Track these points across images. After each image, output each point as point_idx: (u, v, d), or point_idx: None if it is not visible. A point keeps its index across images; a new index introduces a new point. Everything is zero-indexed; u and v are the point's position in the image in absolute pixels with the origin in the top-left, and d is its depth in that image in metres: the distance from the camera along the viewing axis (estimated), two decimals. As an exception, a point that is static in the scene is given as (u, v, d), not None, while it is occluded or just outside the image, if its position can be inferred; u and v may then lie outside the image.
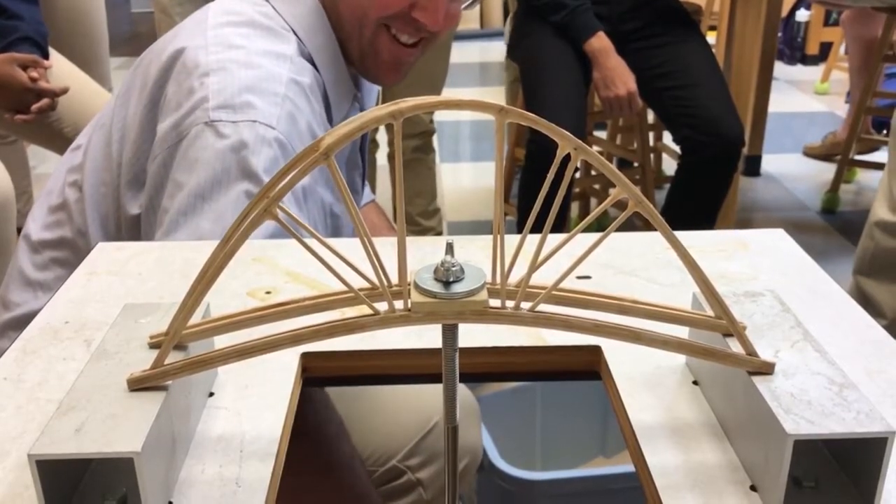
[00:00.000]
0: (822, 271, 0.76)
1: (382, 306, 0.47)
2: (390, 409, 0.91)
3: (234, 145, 0.83)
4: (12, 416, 0.56)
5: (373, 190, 2.37)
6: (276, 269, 0.77)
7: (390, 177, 2.64)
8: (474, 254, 0.79)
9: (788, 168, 3.19)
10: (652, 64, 2.04)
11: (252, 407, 0.58)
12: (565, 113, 1.94)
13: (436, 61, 2.16)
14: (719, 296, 0.50)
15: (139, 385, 0.48)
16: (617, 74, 1.97)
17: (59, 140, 1.80)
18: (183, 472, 0.51)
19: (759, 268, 0.77)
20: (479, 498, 1.28)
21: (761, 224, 2.72)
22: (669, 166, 2.54)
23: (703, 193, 2.04)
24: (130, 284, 0.74)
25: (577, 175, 2.45)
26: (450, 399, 0.50)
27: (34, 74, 1.65)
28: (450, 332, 0.48)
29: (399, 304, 0.47)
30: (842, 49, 4.09)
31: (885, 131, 3.13)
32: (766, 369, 0.50)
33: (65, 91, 1.71)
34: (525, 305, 0.48)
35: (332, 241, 0.46)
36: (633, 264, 0.77)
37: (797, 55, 4.66)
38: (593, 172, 2.48)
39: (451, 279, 0.46)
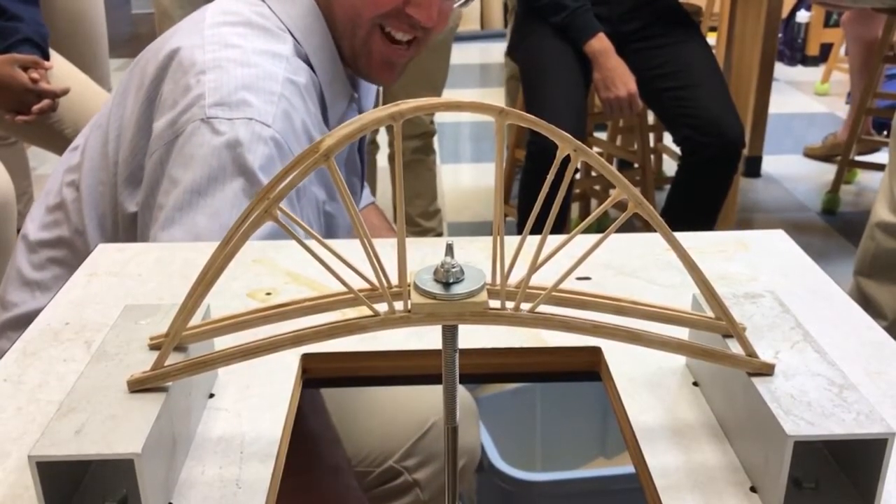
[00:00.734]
0: (822, 272, 0.76)
1: (382, 307, 0.47)
2: (387, 410, 0.91)
3: (230, 142, 0.83)
4: (13, 417, 0.56)
5: (373, 191, 2.38)
6: (276, 270, 0.77)
7: (391, 178, 2.64)
8: (474, 255, 0.79)
9: (789, 169, 3.19)
10: (652, 65, 2.04)
11: (252, 408, 0.58)
12: (565, 114, 1.94)
13: (436, 62, 2.16)
14: (719, 297, 0.50)
15: (139, 386, 0.48)
16: (617, 75, 1.97)
17: (59, 141, 1.80)
18: (183, 474, 0.51)
19: (759, 269, 0.77)
20: (479, 498, 1.28)
21: (761, 225, 2.72)
22: (670, 167, 2.54)
23: (704, 194, 2.04)
24: (130, 286, 0.74)
25: (578, 176, 2.45)
26: (450, 400, 0.50)
27: (35, 75, 1.65)
28: (450, 333, 0.48)
29: (399, 305, 0.47)
30: (842, 50, 4.09)
31: (885, 132, 3.13)
32: (766, 370, 0.50)
33: (65, 92, 1.71)
34: (525, 306, 0.48)
35: (332, 242, 0.46)
36: (633, 265, 0.77)
37: (797, 56, 4.66)
38: (593, 173, 2.48)
39: (451, 280, 0.46)
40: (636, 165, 2.48)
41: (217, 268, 0.46)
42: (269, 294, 0.73)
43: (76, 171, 0.99)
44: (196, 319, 0.50)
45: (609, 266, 0.77)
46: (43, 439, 0.44)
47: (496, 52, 4.67)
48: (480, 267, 0.48)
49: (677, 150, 2.07)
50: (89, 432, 0.45)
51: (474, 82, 4.61)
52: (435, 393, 0.90)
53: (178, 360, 0.49)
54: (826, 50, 4.37)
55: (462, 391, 1.09)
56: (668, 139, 2.32)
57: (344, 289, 0.48)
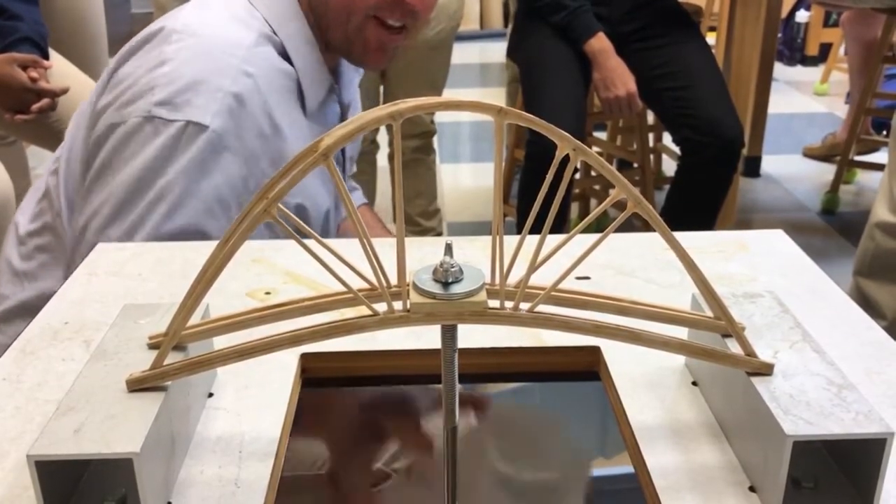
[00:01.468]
0: (821, 272, 0.76)
1: (381, 307, 0.47)
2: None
3: (165, 143, 0.88)
4: (11, 416, 0.56)
5: (373, 191, 2.38)
6: (275, 269, 0.77)
7: (390, 177, 2.64)
8: (474, 254, 0.79)
9: (788, 169, 3.19)
10: (652, 65, 2.04)
11: (251, 407, 0.58)
12: (565, 114, 1.94)
13: (436, 62, 2.16)
14: (718, 297, 0.50)
15: (138, 386, 0.48)
16: (617, 75, 1.97)
17: (58, 140, 1.79)
18: (182, 473, 0.51)
19: (758, 268, 0.77)
20: (478, 498, 1.27)
21: (761, 225, 2.72)
22: (669, 167, 2.55)
23: (703, 194, 2.04)
24: (130, 285, 0.74)
25: (577, 176, 2.45)
26: (449, 400, 0.50)
27: (34, 74, 1.65)
28: (449, 333, 0.48)
29: (398, 305, 0.47)
30: (841, 50, 4.09)
31: (884, 132, 3.13)
32: (765, 370, 0.50)
33: (65, 91, 1.71)
34: (524, 306, 0.48)
35: (331, 242, 0.46)
36: (633, 265, 0.77)
37: (797, 56, 4.66)
38: (593, 173, 2.48)
39: (451, 280, 0.46)
40: (636, 165, 2.48)
41: (216, 267, 0.46)
42: (268, 294, 0.73)
43: (58, 160, 1.01)
44: (195, 319, 0.50)
45: (608, 266, 0.77)
46: (42, 439, 0.44)
47: (496, 52, 4.67)
48: (480, 266, 0.48)
49: (677, 149, 2.07)
50: (88, 432, 0.45)
51: (474, 82, 4.61)
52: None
53: (177, 360, 0.49)
54: (825, 50, 4.37)
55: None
56: (667, 139, 2.32)
57: (343, 288, 0.48)
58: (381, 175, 2.48)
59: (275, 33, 0.96)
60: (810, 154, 3.28)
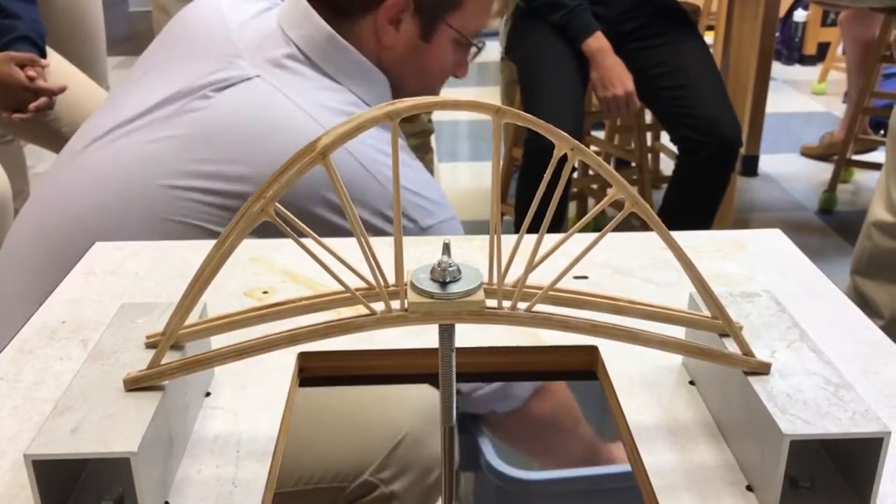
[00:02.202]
0: (818, 271, 0.76)
1: (379, 306, 0.47)
2: (358, 422, 0.91)
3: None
4: (8, 416, 0.56)
5: None
6: (273, 268, 0.77)
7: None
8: (471, 254, 0.79)
9: (786, 168, 3.19)
10: (650, 64, 2.04)
11: (249, 407, 0.58)
12: (563, 113, 1.94)
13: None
14: (716, 296, 0.50)
15: (136, 385, 0.48)
16: (615, 74, 1.97)
17: (56, 139, 1.80)
18: (179, 472, 0.51)
19: (755, 268, 0.77)
20: (477, 498, 1.28)
21: (758, 224, 2.72)
22: (667, 166, 2.55)
23: (701, 193, 2.04)
24: (127, 284, 0.74)
25: (575, 175, 2.45)
26: (447, 399, 0.50)
27: (32, 73, 1.65)
28: (446, 333, 0.48)
29: (396, 305, 0.47)
30: (839, 49, 4.09)
31: (882, 131, 3.13)
32: (763, 369, 0.50)
33: (63, 90, 1.70)
34: (522, 305, 0.48)
35: (329, 241, 0.46)
36: (630, 264, 0.77)
37: (795, 55, 4.66)
38: (591, 172, 2.48)
39: (448, 279, 0.46)
40: (633, 164, 2.48)
41: (213, 266, 0.46)
42: (265, 293, 0.73)
43: None
44: (193, 318, 0.50)
45: (606, 265, 0.77)
46: (39, 438, 0.44)
47: (493, 51, 4.66)
48: (477, 266, 0.48)
49: (675, 149, 2.07)
50: (85, 431, 0.45)
51: (471, 81, 4.60)
52: (403, 399, 0.90)
53: (175, 359, 0.49)
54: (823, 49, 4.37)
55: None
56: (665, 138, 2.33)
57: (341, 288, 0.48)
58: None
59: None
60: (808, 153, 3.28)
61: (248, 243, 0.79)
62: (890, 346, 0.64)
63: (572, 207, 2.55)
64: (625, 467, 0.57)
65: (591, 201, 2.60)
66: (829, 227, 2.72)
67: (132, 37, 5.33)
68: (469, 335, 0.64)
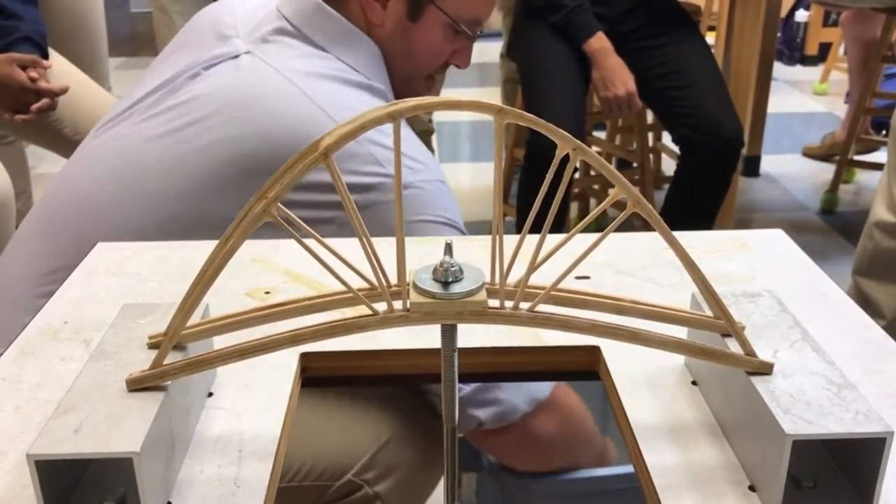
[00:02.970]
0: (820, 271, 0.76)
1: (381, 306, 0.47)
2: (345, 421, 0.91)
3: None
4: (11, 416, 0.56)
5: None
6: (275, 269, 0.77)
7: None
8: (473, 254, 0.79)
9: (787, 168, 3.19)
10: (651, 64, 2.04)
11: (251, 407, 0.58)
12: (564, 113, 1.94)
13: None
14: (718, 296, 0.50)
15: (138, 385, 0.48)
16: (616, 74, 1.97)
17: (58, 140, 1.80)
18: (182, 473, 0.51)
19: (757, 268, 0.77)
20: (479, 498, 1.28)
21: (760, 224, 2.72)
22: (669, 167, 2.54)
23: (703, 194, 2.04)
24: (129, 284, 0.74)
25: (577, 175, 2.45)
26: (449, 399, 0.50)
27: (34, 74, 1.65)
28: (449, 333, 0.48)
29: (398, 305, 0.47)
30: (841, 49, 4.09)
31: (883, 132, 3.12)
32: (765, 369, 0.50)
33: (64, 91, 1.70)
34: (524, 306, 0.48)
35: (331, 242, 0.46)
36: (632, 264, 0.77)
37: (796, 55, 4.66)
38: (592, 173, 2.48)
39: (450, 279, 0.46)
40: (635, 165, 2.48)
41: (216, 267, 0.46)
42: (267, 293, 0.73)
43: None
44: (195, 318, 0.50)
45: (608, 265, 0.77)
46: (41, 438, 0.44)
47: (494, 51, 4.66)
48: (479, 266, 0.48)
49: (676, 149, 2.07)
50: (88, 431, 0.45)
51: (472, 81, 4.60)
52: (388, 403, 0.90)
53: (177, 360, 0.49)
54: (825, 49, 4.36)
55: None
56: (666, 138, 2.32)
57: (343, 288, 0.48)
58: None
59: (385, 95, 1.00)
60: (810, 154, 3.28)
61: (249, 244, 0.79)
62: (892, 345, 0.64)
63: (574, 208, 2.55)
64: (627, 467, 0.57)
65: (592, 202, 2.60)
66: (830, 228, 2.72)
67: (134, 38, 5.34)
68: (471, 335, 0.64)
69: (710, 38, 2.80)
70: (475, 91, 4.32)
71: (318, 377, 0.65)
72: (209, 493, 0.50)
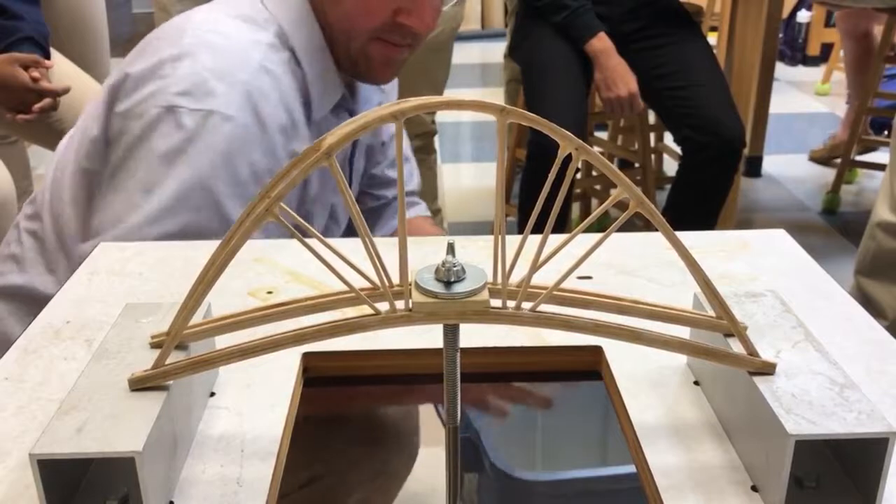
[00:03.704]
0: (823, 272, 0.76)
1: (384, 306, 0.47)
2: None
3: (189, 136, 0.87)
4: (13, 415, 0.56)
5: None
6: (277, 268, 0.77)
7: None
8: (475, 254, 0.79)
9: (789, 169, 3.19)
10: (653, 64, 2.04)
11: (253, 407, 0.58)
12: (566, 113, 1.94)
13: (437, 62, 2.16)
14: (720, 296, 0.50)
15: (140, 385, 0.48)
16: (618, 75, 1.97)
17: (60, 140, 1.80)
18: (184, 472, 0.51)
19: (760, 268, 0.77)
20: (479, 498, 1.28)
21: (762, 225, 2.71)
22: (670, 167, 2.54)
23: (704, 194, 2.04)
24: (132, 284, 0.74)
25: (578, 175, 2.45)
26: (451, 399, 0.50)
27: (35, 74, 1.65)
28: (451, 333, 0.48)
29: (400, 304, 0.47)
30: (841, 50, 4.09)
31: (885, 132, 3.12)
32: (768, 369, 0.50)
33: (66, 91, 1.71)
34: (526, 306, 0.48)
35: (333, 241, 0.46)
36: (634, 264, 0.77)
37: (798, 56, 4.66)
38: (594, 173, 2.48)
39: (453, 279, 0.46)
40: (637, 165, 2.48)
41: (218, 266, 0.46)
42: (269, 293, 0.73)
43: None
44: (197, 318, 0.50)
45: (610, 265, 0.77)
46: (44, 437, 0.44)
47: (497, 51, 4.67)
48: (482, 266, 0.48)
49: (678, 149, 2.07)
50: (90, 431, 0.45)
51: (475, 82, 4.61)
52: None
53: (179, 359, 0.49)
54: (827, 50, 4.36)
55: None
56: (668, 139, 2.32)
57: (345, 287, 0.48)
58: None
59: (287, 38, 0.95)
60: (815, 158, 3.26)
61: (251, 243, 0.79)
62: (894, 345, 0.64)
63: (575, 208, 2.55)
64: (629, 468, 0.57)
65: (594, 202, 2.60)
66: (832, 228, 2.72)
67: (135, 38, 5.33)
68: (473, 335, 0.64)
69: (711, 38, 2.80)
70: (478, 91, 4.32)
71: (320, 377, 0.65)
72: (211, 493, 0.50)
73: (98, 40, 2.14)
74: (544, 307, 0.48)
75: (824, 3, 3.03)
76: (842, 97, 3.95)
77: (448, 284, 0.46)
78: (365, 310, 0.48)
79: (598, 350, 0.65)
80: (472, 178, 3.24)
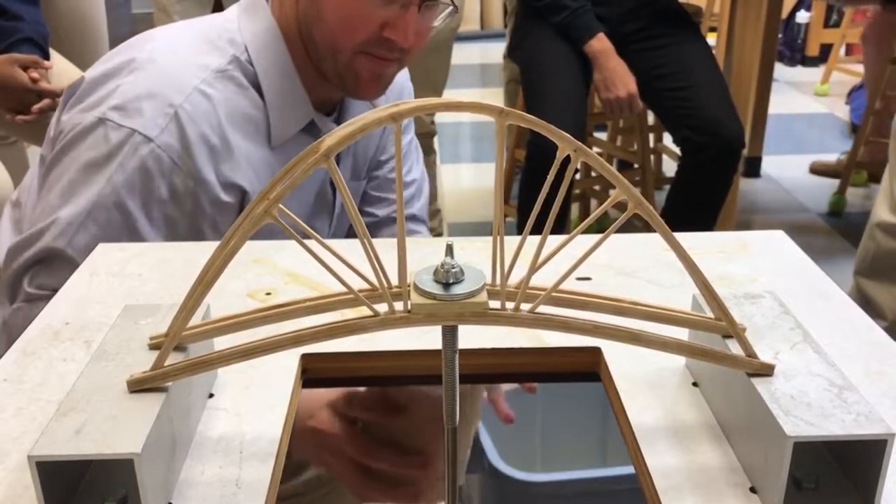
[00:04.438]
0: (822, 273, 0.76)
1: (382, 307, 0.47)
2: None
3: (110, 151, 0.89)
4: (12, 416, 0.56)
5: None
6: (276, 270, 0.77)
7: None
8: (474, 255, 0.79)
9: (789, 170, 3.19)
10: (652, 65, 2.04)
11: (252, 408, 0.58)
12: (566, 114, 1.94)
13: (437, 62, 2.16)
14: (719, 297, 0.50)
15: (139, 386, 0.48)
16: (617, 76, 1.97)
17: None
18: (183, 474, 0.51)
19: (759, 269, 0.77)
20: (479, 498, 1.27)
21: (761, 226, 2.71)
22: (669, 168, 2.54)
23: (704, 195, 2.04)
24: (131, 285, 0.74)
25: (577, 176, 2.45)
26: (450, 400, 0.50)
27: (35, 75, 1.65)
28: (449, 334, 0.48)
29: (399, 306, 0.47)
30: (842, 50, 4.09)
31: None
32: (766, 371, 0.50)
33: (65, 91, 1.71)
34: (525, 307, 0.48)
35: (331, 243, 0.46)
36: (633, 265, 0.77)
37: (797, 56, 4.66)
38: (593, 174, 2.48)
39: (451, 280, 0.46)
40: (636, 166, 2.48)
41: (217, 268, 0.46)
42: (268, 294, 0.73)
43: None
44: (196, 319, 0.50)
45: (609, 266, 0.77)
46: (43, 439, 0.44)
47: (496, 52, 4.67)
48: (480, 267, 0.48)
49: (677, 150, 2.07)
50: (89, 432, 0.45)
51: (474, 83, 4.60)
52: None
53: (178, 360, 0.49)
54: (826, 50, 4.36)
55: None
56: (667, 139, 2.32)
57: (344, 289, 0.48)
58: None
59: (251, 62, 0.95)
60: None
61: (250, 244, 0.79)
62: (893, 347, 0.64)
63: (574, 209, 2.55)
64: (628, 469, 0.57)
65: (593, 203, 2.60)
66: (831, 229, 2.72)
67: (135, 38, 5.32)
68: (472, 336, 0.64)
69: (711, 39, 2.80)
70: (477, 92, 4.32)
71: (319, 378, 0.65)
72: (210, 494, 0.50)
73: (98, 41, 2.14)
74: (543, 308, 0.48)
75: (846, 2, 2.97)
76: (841, 98, 3.95)
77: (447, 286, 0.46)
78: (364, 311, 0.48)
79: (596, 351, 0.65)
80: (471, 179, 3.24)
